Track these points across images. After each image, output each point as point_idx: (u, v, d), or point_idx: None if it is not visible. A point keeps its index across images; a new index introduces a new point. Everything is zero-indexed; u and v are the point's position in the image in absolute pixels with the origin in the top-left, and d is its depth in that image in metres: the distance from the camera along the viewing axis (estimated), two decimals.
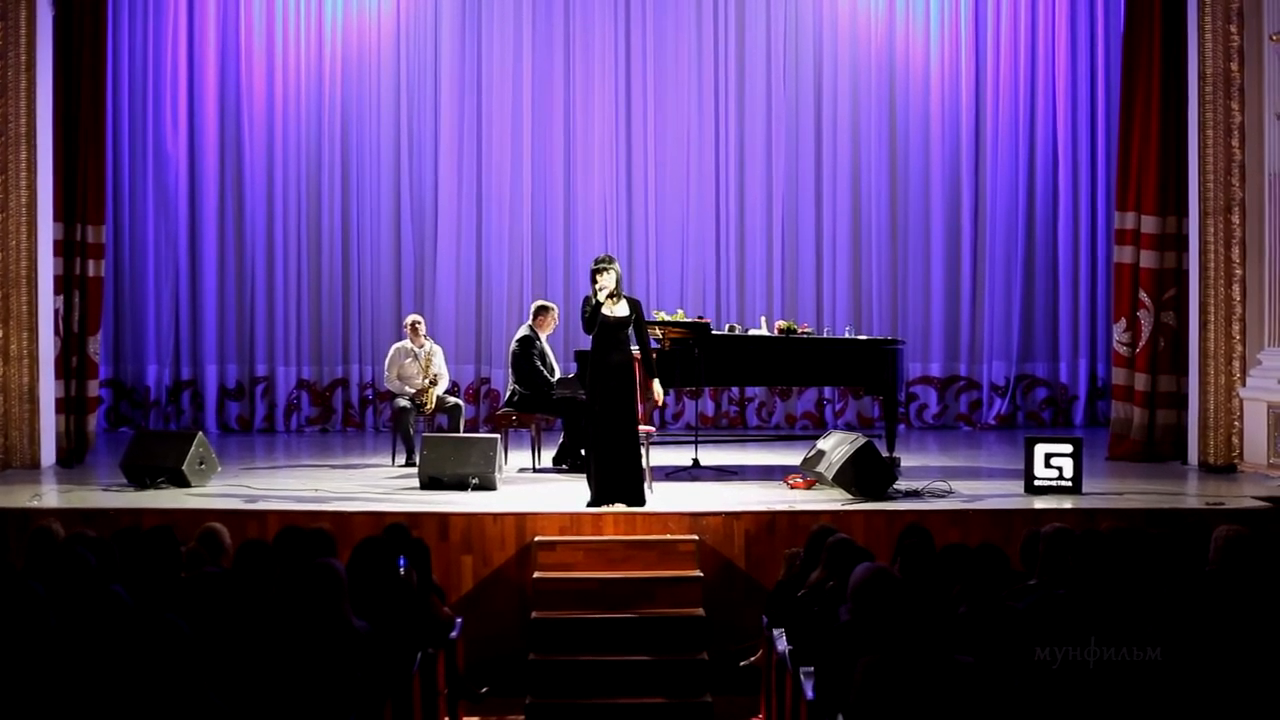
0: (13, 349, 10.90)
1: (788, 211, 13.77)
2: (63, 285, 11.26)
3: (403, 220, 13.68)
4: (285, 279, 13.64)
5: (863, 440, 9.39)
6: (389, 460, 11.07)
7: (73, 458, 11.15)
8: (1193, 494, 9.74)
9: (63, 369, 11.25)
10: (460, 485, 9.50)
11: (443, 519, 8.67)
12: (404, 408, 11.05)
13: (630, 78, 13.70)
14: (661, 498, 9.17)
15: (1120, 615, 4.68)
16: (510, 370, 10.97)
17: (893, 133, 13.75)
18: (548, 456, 10.88)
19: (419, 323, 11.42)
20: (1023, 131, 13.72)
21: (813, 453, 9.87)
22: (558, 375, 10.94)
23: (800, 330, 11.07)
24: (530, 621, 8.20)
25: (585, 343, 9.12)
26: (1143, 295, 11.24)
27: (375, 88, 13.67)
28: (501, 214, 13.67)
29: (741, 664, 7.94)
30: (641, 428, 9.16)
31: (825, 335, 12.45)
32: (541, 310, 11.06)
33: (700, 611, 8.26)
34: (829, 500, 9.13)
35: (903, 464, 10.37)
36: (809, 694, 5.42)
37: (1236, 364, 10.75)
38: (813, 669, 5.45)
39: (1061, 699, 4.26)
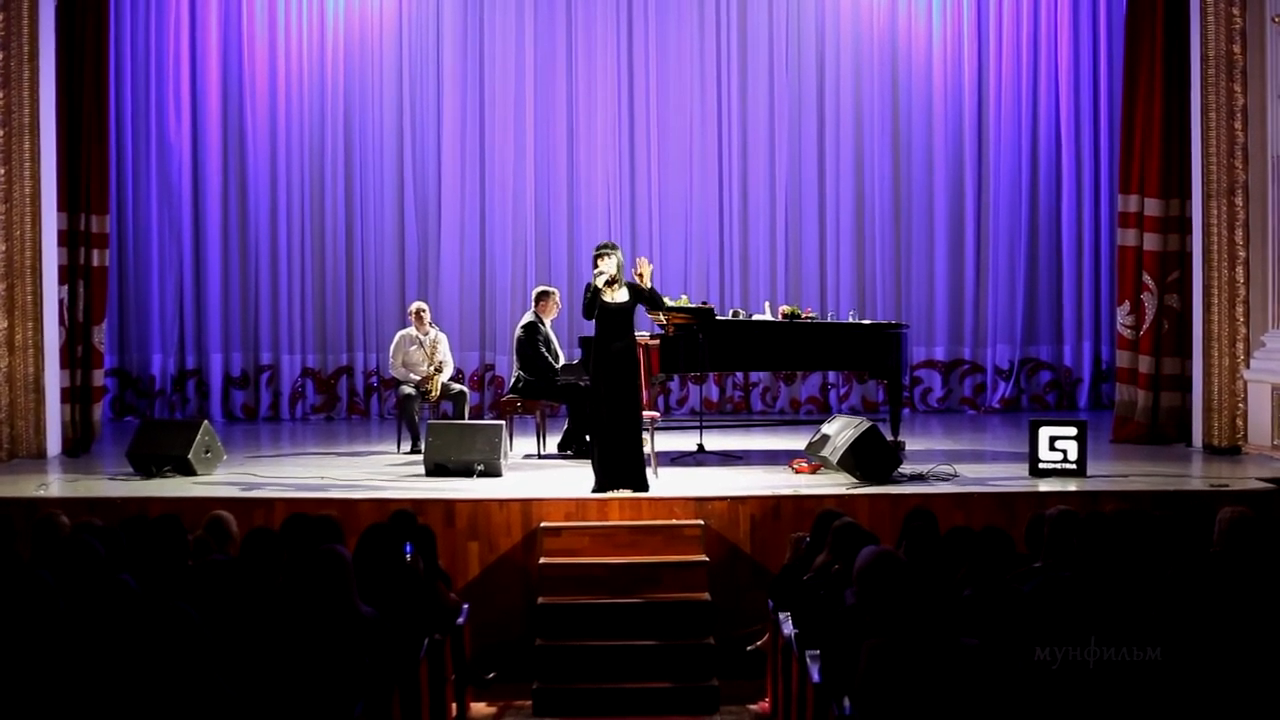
0: (18, 339, 10.91)
1: (791, 196, 13.76)
2: (67, 275, 11.26)
3: (406, 207, 13.68)
4: (289, 267, 13.65)
5: (867, 424, 9.39)
6: (394, 447, 11.08)
7: (78, 447, 11.17)
8: (1197, 476, 9.74)
9: (68, 359, 11.26)
10: (466, 472, 9.51)
11: (448, 505, 8.68)
12: (409, 395, 11.06)
13: (633, 62, 13.69)
14: (666, 483, 9.18)
15: (1124, 600, 4.69)
16: (515, 356, 10.97)
17: (896, 116, 13.73)
18: (553, 442, 10.89)
19: (423, 310, 11.43)
20: (1026, 114, 13.70)
21: (817, 437, 9.87)
22: (562, 361, 10.94)
23: (804, 315, 11.05)
24: (536, 607, 8.21)
25: (590, 329, 9.12)
26: (1146, 278, 11.23)
27: (378, 75, 13.66)
28: (505, 200, 13.68)
29: (747, 648, 7.96)
30: (646, 413, 9.18)
31: (829, 320, 12.44)
32: (543, 295, 11.06)
33: (706, 596, 8.28)
34: (834, 484, 9.13)
35: (907, 448, 10.39)
36: (815, 677, 5.44)
37: (1240, 346, 10.76)
38: (818, 652, 5.47)
39: (1061, 699, 4.27)
